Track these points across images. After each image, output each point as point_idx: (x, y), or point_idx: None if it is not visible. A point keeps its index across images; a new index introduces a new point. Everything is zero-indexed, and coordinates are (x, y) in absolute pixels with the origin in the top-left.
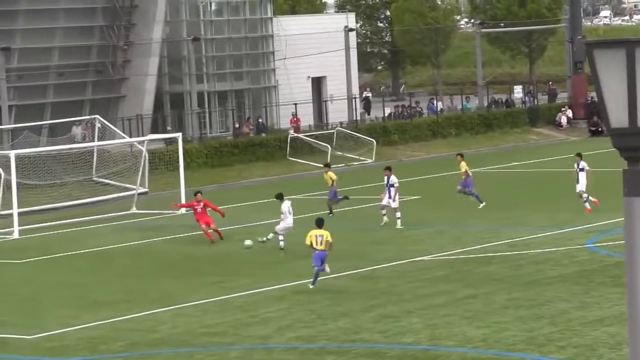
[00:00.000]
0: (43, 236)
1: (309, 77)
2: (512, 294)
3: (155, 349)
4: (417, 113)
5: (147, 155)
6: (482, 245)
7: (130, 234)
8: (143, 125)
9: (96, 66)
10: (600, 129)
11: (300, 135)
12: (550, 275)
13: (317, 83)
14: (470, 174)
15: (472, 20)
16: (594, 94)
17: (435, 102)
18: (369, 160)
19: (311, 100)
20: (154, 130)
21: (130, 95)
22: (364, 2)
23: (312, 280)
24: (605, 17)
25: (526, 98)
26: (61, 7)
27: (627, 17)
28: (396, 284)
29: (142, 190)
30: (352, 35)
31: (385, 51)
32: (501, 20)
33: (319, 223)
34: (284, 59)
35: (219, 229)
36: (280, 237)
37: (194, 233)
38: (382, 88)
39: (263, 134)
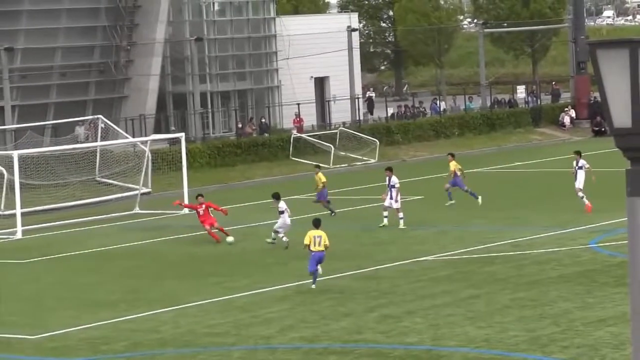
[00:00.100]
0: (46, 236)
1: (311, 77)
2: (515, 294)
3: (157, 349)
4: (420, 113)
5: (150, 155)
6: (485, 245)
7: (133, 234)
8: (146, 125)
9: (99, 66)
10: (603, 129)
11: (303, 136)
12: (553, 275)
13: (320, 83)
14: (459, 173)
15: (475, 20)
16: (597, 94)
17: (438, 102)
18: (372, 161)
19: (314, 100)
20: (157, 130)
21: (133, 95)
22: (367, 2)
23: (312, 280)
24: (609, 17)
25: (529, 98)
26: (64, 7)
27: (630, 17)
28: (399, 284)
29: (145, 190)
30: (355, 35)
31: (388, 51)
32: (504, 20)
33: (317, 223)
34: (287, 59)
35: (224, 228)
36: (281, 236)
37: (197, 233)
38: (385, 88)
39: (266, 134)
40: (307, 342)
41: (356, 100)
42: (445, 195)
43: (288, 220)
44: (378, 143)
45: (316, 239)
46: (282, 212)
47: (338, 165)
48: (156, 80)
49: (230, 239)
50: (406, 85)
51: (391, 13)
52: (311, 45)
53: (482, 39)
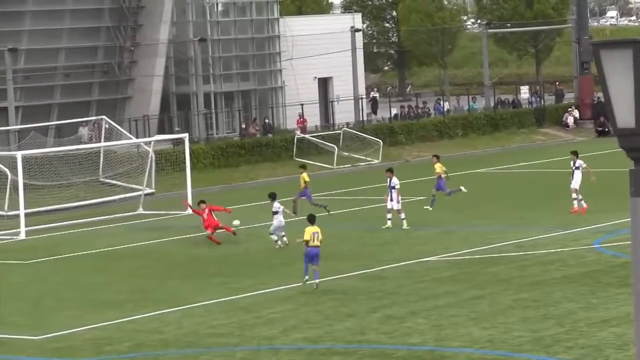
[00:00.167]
0: (50, 237)
1: (315, 77)
2: (519, 295)
3: (160, 350)
4: (425, 114)
5: (153, 156)
6: (489, 246)
7: (137, 235)
8: (149, 126)
9: (103, 67)
10: (606, 130)
11: (307, 136)
12: (557, 275)
13: (324, 83)
14: (444, 175)
15: (479, 21)
16: (600, 95)
17: (441, 102)
18: (376, 161)
19: (317, 101)
20: (161, 131)
21: (136, 96)
22: (370, 2)
23: (315, 280)
24: (612, 17)
25: (533, 98)
26: (68, 8)
27: (633, 18)
28: (402, 284)
29: (148, 191)
30: (359, 36)
31: (392, 51)
32: (508, 20)
33: (312, 220)
34: (291, 59)
35: (228, 226)
36: (276, 236)
37: (201, 234)
38: (388, 88)
39: (269, 135)
40: (311, 343)
41: (360, 100)
42: (429, 200)
43: (283, 221)
44: (381, 143)
45: (315, 234)
46: (276, 213)
47: (341, 166)
48: (160, 80)
49: (236, 222)
50: (410, 86)
51: (395, 13)
52: (315, 46)
53: (485, 39)
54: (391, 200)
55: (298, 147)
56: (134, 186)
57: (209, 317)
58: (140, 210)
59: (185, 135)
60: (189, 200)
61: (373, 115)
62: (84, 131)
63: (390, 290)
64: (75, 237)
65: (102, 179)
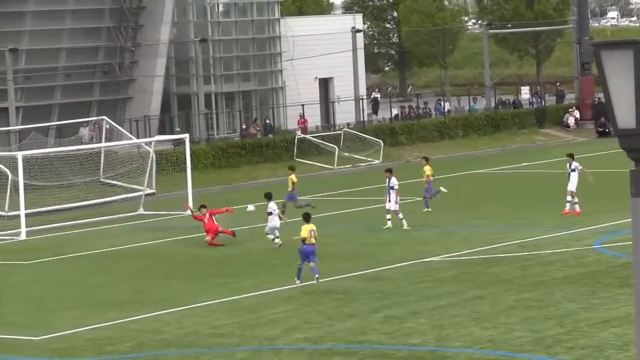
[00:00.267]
0: (50, 237)
1: (316, 78)
2: (520, 295)
3: (162, 350)
4: (426, 114)
5: (154, 156)
6: (490, 246)
7: (138, 235)
8: (150, 126)
9: (103, 67)
10: (607, 130)
11: (308, 136)
12: (558, 276)
13: (325, 84)
14: (431, 179)
15: (480, 21)
16: (601, 95)
17: (442, 103)
18: (376, 161)
19: (318, 101)
20: (161, 131)
21: (137, 96)
22: (371, 3)
23: (315, 275)
24: (613, 18)
25: (533, 99)
26: (69, 8)
27: (634, 18)
28: (403, 285)
29: (149, 191)
30: (360, 36)
31: (393, 52)
32: (508, 21)
33: (307, 218)
34: (292, 59)
35: (228, 229)
36: (271, 237)
37: (201, 234)
38: (389, 89)
39: (270, 135)
40: (312, 343)
41: (360, 101)
42: (423, 202)
43: (278, 222)
44: (382, 144)
45: (311, 232)
46: (270, 214)
47: (342, 166)
48: (160, 81)
49: (251, 207)
50: (410, 86)
51: (395, 14)
52: (315, 46)
53: (486, 40)
54: (389, 200)
55: (299, 147)
56: (134, 186)
57: (210, 317)
58: (141, 211)
59: (186, 136)
60: (190, 203)
61: (374, 115)
62: (84, 131)
63: (391, 291)
64: (76, 238)
65: (102, 180)
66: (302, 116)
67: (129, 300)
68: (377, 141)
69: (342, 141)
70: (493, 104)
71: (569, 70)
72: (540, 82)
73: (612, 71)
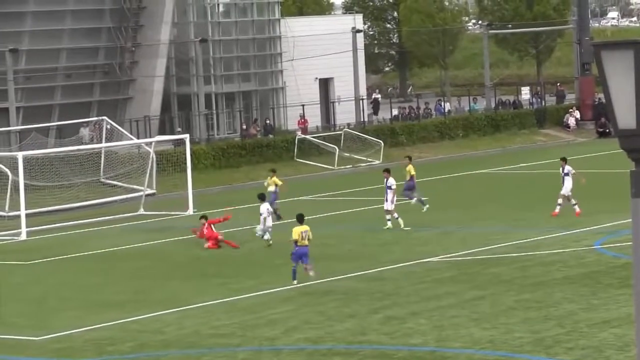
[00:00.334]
0: (51, 237)
1: (316, 78)
2: (520, 296)
3: (162, 350)
4: (428, 115)
5: (154, 156)
6: (490, 247)
7: (138, 236)
8: (150, 126)
9: (104, 68)
10: (607, 131)
11: (308, 137)
12: (558, 276)
13: (325, 84)
14: (414, 178)
15: (480, 22)
16: (601, 95)
17: (442, 103)
18: (377, 162)
19: (318, 102)
20: (162, 131)
21: (137, 96)
22: (371, 3)
23: (310, 273)
24: (613, 18)
25: (534, 99)
26: (69, 8)
27: (634, 18)
28: (403, 285)
29: (149, 191)
30: (360, 37)
31: (393, 52)
32: (509, 21)
33: (300, 219)
34: (292, 60)
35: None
36: (263, 235)
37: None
38: (389, 89)
39: (270, 136)
40: (312, 343)
41: (360, 101)
42: (419, 204)
43: (270, 224)
44: (382, 144)
45: (303, 234)
46: (262, 215)
47: (342, 167)
48: (161, 81)
49: (270, 188)
50: (410, 87)
51: (396, 14)
52: (316, 47)
53: (486, 40)
54: (387, 200)
55: (299, 147)
56: (135, 187)
57: (210, 317)
58: (141, 211)
59: (186, 136)
60: (190, 205)
61: (374, 116)
62: (85, 132)
63: (391, 291)
64: (77, 238)
65: (103, 180)
66: (303, 116)
67: (130, 300)
68: (378, 141)
69: (342, 141)
70: (493, 105)
71: (569, 70)
72: (541, 82)
73: (613, 71)
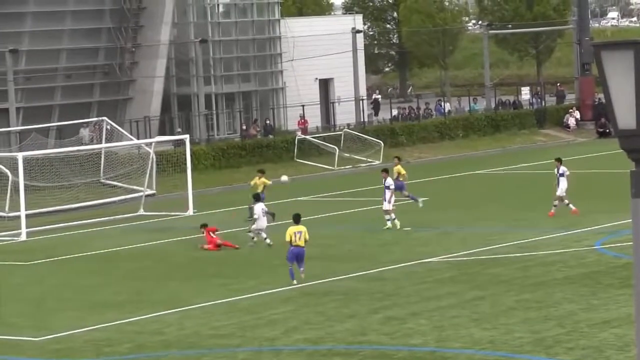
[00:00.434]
0: (50, 238)
1: (316, 78)
2: (520, 296)
3: (161, 351)
4: (428, 115)
5: (154, 157)
6: (490, 247)
7: (138, 236)
8: (150, 127)
9: (104, 68)
10: (607, 131)
11: (308, 137)
12: (558, 276)
13: (325, 85)
14: (401, 178)
15: (480, 22)
16: (601, 96)
17: (442, 103)
18: (377, 162)
19: (318, 102)
20: (162, 132)
21: (137, 97)
22: (371, 3)
23: (294, 280)
24: (613, 18)
25: (534, 99)
26: (69, 9)
27: (634, 19)
28: (403, 285)
29: (149, 192)
30: (360, 37)
31: (393, 53)
32: (509, 21)
33: (297, 219)
34: (292, 60)
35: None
36: (252, 235)
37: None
38: (389, 90)
39: (270, 136)
40: (312, 344)
41: (360, 101)
42: (412, 201)
43: (263, 224)
44: (382, 144)
45: (297, 234)
46: (256, 215)
47: (342, 167)
48: (161, 82)
49: (284, 178)
50: (411, 87)
51: (396, 14)
52: (316, 47)
53: (486, 40)
54: (385, 200)
55: (299, 148)
56: (134, 187)
57: (210, 318)
58: (141, 212)
59: (186, 137)
60: (190, 204)
61: (374, 116)
62: (85, 132)
63: (391, 291)
64: (76, 239)
65: (103, 180)
66: (303, 117)
67: (129, 301)
68: (378, 142)
69: (342, 142)
70: (493, 105)
71: (569, 70)
72: (541, 82)
73: (613, 72)
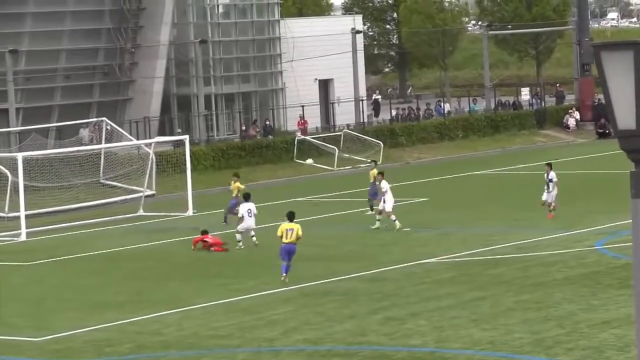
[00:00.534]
0: (50, 238)
1: (316, 79)
2: (520, 296)
3: (161, 352)
4: (429, 116)
5: (154, 157)
6: (489, 248)
7: (137, 236)
8: (150, 127)
9: (103, 69)
10: (607, 131)
11: (307, 138)
12: (558, 277)
13: (324, 85)
14: (378, 183)
15: (480, 23)
16: (601, 96)
17: (442, 104)
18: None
19: (318, 103)
20: (161, 132)
21: (137, 97)
22: (371, 4)
23: (282, 271)
24: (613, 19)
25: (533, 100)
26: (69, 9)
27: (634, 19)
28: (403, 286)
29: (149, 192)
30: (360, 37)
31: (393, 53)
32: (509, 22)
33: (290, 217)
34: (291, 61)
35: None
36: (239, 237)
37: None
38: (389, 90)
39: (270, 136)
40: (311, 344)
41: (360, 102)
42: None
43: (249, 224)
44: (382, 145)
45: (288, 231)
46: (241, 215)
47: (342, 167)
48: (160, 82)
49: (309, 160)
50: (410, 88)
51: (395, 15)
52: (315, 48)
53: (486, 41)
54: (383, 202)
55: (298, 148)
56: (134, 188)
57: (209, 318)
58: (141, 212)
59: (186, 137)
60: (190, 204)
61: (374, 117)
62: (84, 133)
63: (390, 292)
64: (76, 239)
65: (102, 181)
66: (302, 117)
67: (129, 301)
68: (377, 142)
69: (342, 142)
70: (493, 105)
71: (569, 71)
72: (540, 83)
73: (612, 72)
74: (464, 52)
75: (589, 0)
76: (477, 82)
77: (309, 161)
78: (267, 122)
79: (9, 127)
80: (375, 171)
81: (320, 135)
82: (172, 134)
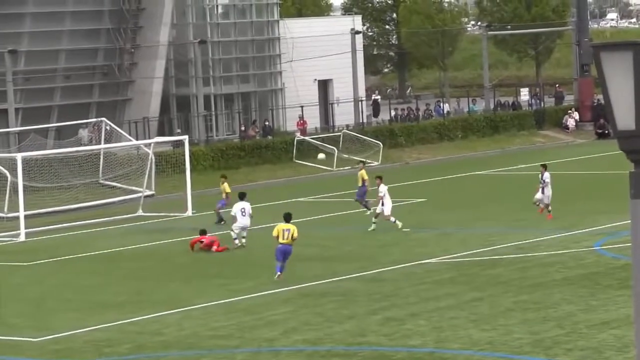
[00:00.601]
0: (50, 239)
1: (315, 79)
2: (519, 297)
3: (161, 352)
4: (429, 116)
5: (153, 157)
6: (489, 248)
7: (137, 237)
8: (149, 128)
9: (103, 69)
10: (606, 132)
11: (307, 138)
12: (557, 277)
13: (324, 85)
14: (367, 184)
15: (479, 23)
16: (600, 97)
17: (441, 104)
18: (375, 163)
19: (317, 103)
20: (161, 133)
21: (136, 98)
22: (370, 4)
23: (277, 270)
24: (612, 19)
25: (533, 101)
26: (68, 9)
27: (634, 20)
28: (402, 286)
29: (148, 192)
30: (359, 38)
31: (392, 53)
32: (508, 22)
33: (287, 218)
34: (291, 61)
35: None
36: (234, 235)
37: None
38: (388, 90)
39: (269, 137)
40: (311, 345)
41: (359, 102)
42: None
43: (242, 223)
44: (381, 145)
45: (285, 232)
46: (234, 214)
47: (341, 168)
48: (160, 82)
49: (321, 155)
50: (410, 88)
51: (395, 15)
52: (315, 48)
53: (485, 41)
54: (382, 205)
55: (298, 149)
56: (133, 188)
57: (209, 318)
58: (140, 212)
59: (185, 137)
60: (189, 204)
61: (373, 117)
62: (84, 133)
63: (389, 292)
64: (75, 239)
65: (102, 181)
66: (302, 118)
67: (129, 301)
68: (377, 143)
69: (341, 143)
70: (492, 106)
71: (568, 71)
72: (540, 83)
73: (612, 73)
74: (464, 52)
75: (589, 0)
76: (477, 82)
77: (321, 156)
78: (267, 123)
79: (8, 127)
80: (364, 172)
81: (320, 136)
82: (171, 135)
